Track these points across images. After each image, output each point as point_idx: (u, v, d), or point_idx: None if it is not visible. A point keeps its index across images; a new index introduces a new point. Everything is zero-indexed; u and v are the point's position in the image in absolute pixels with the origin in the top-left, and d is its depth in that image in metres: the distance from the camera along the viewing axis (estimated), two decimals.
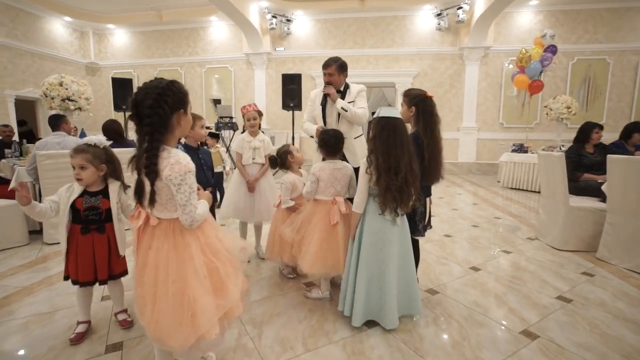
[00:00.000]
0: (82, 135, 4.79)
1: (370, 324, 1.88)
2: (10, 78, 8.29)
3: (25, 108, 9.39)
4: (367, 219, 1.85)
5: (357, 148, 2.61)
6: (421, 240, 3.33)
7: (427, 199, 2.15)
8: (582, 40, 8.43)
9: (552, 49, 6.53)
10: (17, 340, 1.75)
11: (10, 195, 3.37)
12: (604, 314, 2.01)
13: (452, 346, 1.71)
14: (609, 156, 2.77)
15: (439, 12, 8.46)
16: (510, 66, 8.47)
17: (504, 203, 5.32)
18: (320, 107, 2.61)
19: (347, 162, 2.29)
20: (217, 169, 4.21)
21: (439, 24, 8.55)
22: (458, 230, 3.77)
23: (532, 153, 6.41)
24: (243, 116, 2.65)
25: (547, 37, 6.48)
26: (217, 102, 9.40)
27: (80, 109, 4.56)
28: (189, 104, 1.36)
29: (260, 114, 2.70)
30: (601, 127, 3.59)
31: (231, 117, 8.60)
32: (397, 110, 1.83)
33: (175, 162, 1.23)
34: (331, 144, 2.08)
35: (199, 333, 1.23)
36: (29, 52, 8.73)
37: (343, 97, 2.58)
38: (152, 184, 1.21)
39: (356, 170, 2.06)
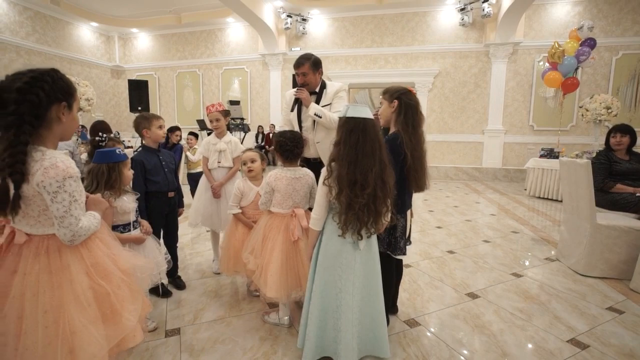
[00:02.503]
0: (83, 136, 4.85)
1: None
2: None
3: None
4: (324, 240, 1.54)
5: None
6: (417, 257, 3.00)
7: (408, 212, 1.81)
8: (630, 32, 7.52)
9: (590, 43, 5.81)
10: None
11: None
12: None
13: None
14: None
15: (463, 7, 7.90)
16: (542, 63, 7.73)
17: (526, 214, 4.75)
18: (293, 112, 2.31)
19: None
20: (198, 169, 4.05)
21: (462, 19, 7.99)
22: (465, 246, 3.33)
23: (565, 158, 5.73)
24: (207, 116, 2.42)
25: (585, 29, 5.77)
26: (235, 102, 9.41)
27: (81, 109, 4.59)
28: (75, 100, 1.14)
29: (225, 114, 2.45)
30: (622, 131, 3.00)
31: (242, 119, 8.54)
32: (367, 109, 1.49)
33: (51, 165, 1.01)
34: (288, 148, 1.79)
35: None
36: (58, 57, 9.17)
37: (319, 99, 2.27)
38: (17, 188, 0.99)
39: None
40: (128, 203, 1.67)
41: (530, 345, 1.74)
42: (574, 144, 7.62)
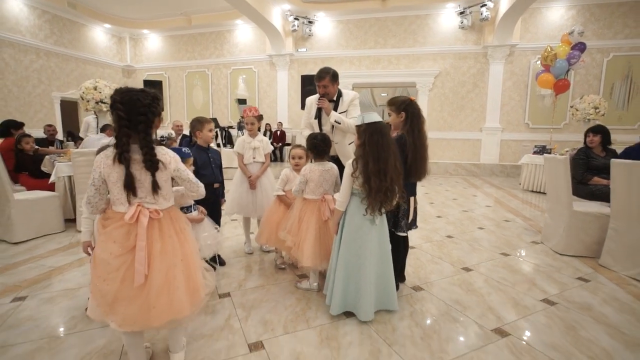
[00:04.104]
0: None
1: (350, 314, 2.02)
2: (57, 81, 9.15)
3: (70, 108, 10.30)
4: (348, 218, 1.99)
5: (352, 152, 2.73)
6: (420, 240, 3.45)
7: (412, 198, 2.25)
8: (620, 35, 7.93)
9: (580, 47, 6.24)
10: (47, 309, 2.07)
11: (50, 187, 3.84)
12: (585, 318, 2.02)
13: (421, 338, 1.82)
14: (612, 160, 2.70)
15: (462, 10, 8.30)
16: (538, 63, 8.14)
17: (519, 206, 5.20)
18: (316, 119, 2.76)
19: (344, 165, 2.42)
20: None
21: (461, 22, 8.39)
22: (462, 232, 3.78)
23: (556, 155, 6.16)
24: (243, 119, 2.85)
25: (575, 34, 6.19)
26: (242, 102, 9.83)
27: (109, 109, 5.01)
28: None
29: (259, 118, 2.89)
30: (594, 131, 3.49)
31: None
32: (377, 114, 1.94)
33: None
34: (321, 148, 2.24)
35: (202, 302, 1.47)
36: (73, 58, 9.58)
37: (336, 105, 2.71)
38: (153, 175, 1.38)
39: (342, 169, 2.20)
40: None
41: (510, 303, 2.20)
42: (567, 141, 8.05)
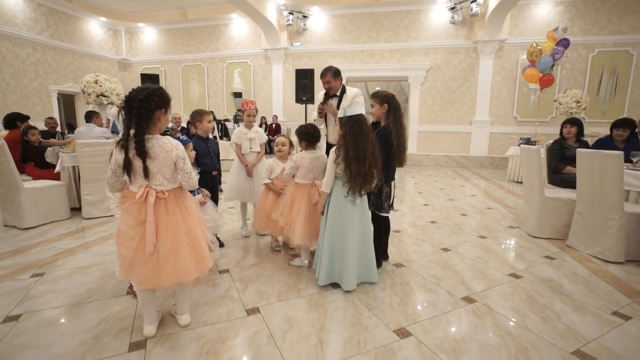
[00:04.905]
0: (114, 127, 5.45)
1: (336, 286, 2.27)
2: (54, 75, 9.23)
3: (66, 101, 10.40)
4: (332, 199, 2.23)
5: None
6: (405, 225, 3.71)
7: (392, 183, 2.49)
8: (605, 31, 8.18)
9: (564, 43, 6.47)
10: (64, 283, 2.30)
11: (55, 177, 4.03)
12: (544, 288, 2.29)
13: (399, 304, 2.07)
14: (578, 150, 2.96)
15: (453, 6, 8.48)
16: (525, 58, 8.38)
17: (502, 195, 5.48)
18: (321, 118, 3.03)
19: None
20: None
21: (452, 18, 8.59)
22: (445, 218, 4.05)
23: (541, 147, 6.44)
24: (243, 111, 3.07)
25: (560, 31, 6.42)
26: (238, 95, 9.98)
27: (112, 103, 5.18)
28: (169, 106, 1.73)
29: (256, 111, 3.11)
30: (571, 122, 3.74)
31: None
32: (357, 107, 2.17)
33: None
34: (311, 136, 2.48)
35: (207, 268, 1.70)
36: (69, 51, 9.64)
37: (340, 100, 2.95)
38: (144, 161, 1.55)
39: None
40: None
41: (481, 277, 2.46)
42: (553, 133, 8.30)
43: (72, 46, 9.67)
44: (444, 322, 1.88)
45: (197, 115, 2.67)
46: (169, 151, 1.61)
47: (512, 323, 1.87)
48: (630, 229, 2.72)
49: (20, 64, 8.37)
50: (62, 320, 1.87)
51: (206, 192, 2.43)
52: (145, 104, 1.55)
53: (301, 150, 2.54)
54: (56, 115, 9.01)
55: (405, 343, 1.70)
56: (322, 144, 2.75)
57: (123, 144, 1.55)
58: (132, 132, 1.56)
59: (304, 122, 7.87)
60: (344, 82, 3.11)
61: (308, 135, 2.50)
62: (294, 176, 2.55)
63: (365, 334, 1.77)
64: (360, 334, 1.76)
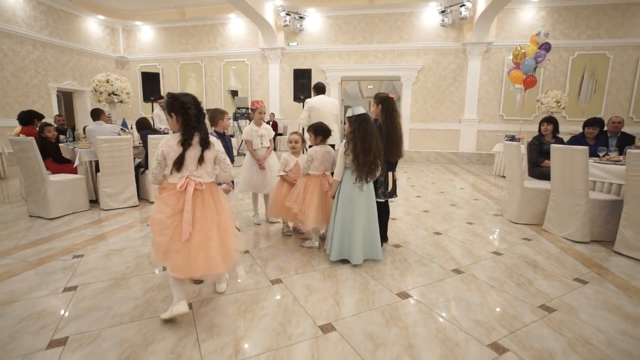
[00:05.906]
0: (124, 124, 5.68)
1: (345, 262, 2.63)
2: (53, 72, 9.33)
3: (65, 99, 10.49)
4: (342, 186, 2.59)
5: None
6: (401, 214, 4.10)
7: (390, 173, 2.85)
8: (584, 35, 8.71)
9: (546, 47, 6.95)
10: (104, 262, 2.60)
11: (74, 171, 4.28)
12: (521, 262, 2.70)
13: (399, 275, 2.45)
14: (552, 145, 3.38)
15: (443, 9, 8.90)
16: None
17: (488, 188, 5.92)
18: None
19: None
20: None
21: (443, 21, 9.00)
22: (436, 208, 4.45)
23: (522, 144, 6.92)
24: (254, 110, 3.38)
25: (542, 35, 6.89)
26: (234, 93, 10.22)
27: (122, 101, 5.42)
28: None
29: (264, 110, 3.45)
30: (548, 121, 4.19)
31: (247, 108, 9.40)
32: (362, 107, 2.54)
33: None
34: (327, 132, 2.87)
35: (234, 264, 1.97)
36: (68, 49, 9.73)
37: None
38: (203, 151, 1.89)
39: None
40: None
41: (468, 255, 2.86)
42: (536, 131, 8.83)
43: (70, 44, 9.77)
44: (437, 288, 2.26)
45: (218, 114, 2.99)
46: (215, 144, 1.92)
47: (492, 288, 2.26)
48: (594, 214, 3.15)
49: (20, 61, 8.46)
50: (114, 290, 2.19)
51: (229, 182, 2.76)
52: (200, 109, 1.84)
53: (312, 145, 2.90)
54: (55, 112, 9.12)
55: (406, 302, 2.07)
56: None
57: (185, 140, 1.77)
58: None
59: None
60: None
61: (323, 131, 2.86)
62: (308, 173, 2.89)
63: (373, 297, 2.13)
64: (369, 297, 2.13)
